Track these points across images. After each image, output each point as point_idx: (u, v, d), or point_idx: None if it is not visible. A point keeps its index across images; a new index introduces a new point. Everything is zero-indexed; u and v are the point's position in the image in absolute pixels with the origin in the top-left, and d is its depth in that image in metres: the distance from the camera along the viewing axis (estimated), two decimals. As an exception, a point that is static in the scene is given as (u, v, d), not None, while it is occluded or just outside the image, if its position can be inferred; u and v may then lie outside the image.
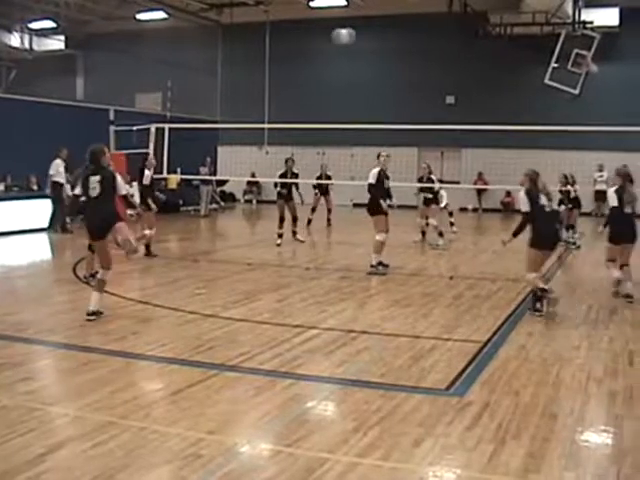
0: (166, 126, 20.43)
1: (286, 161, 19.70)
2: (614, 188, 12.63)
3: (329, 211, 24.20)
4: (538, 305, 11.32)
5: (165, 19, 34.62)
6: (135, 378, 8.06)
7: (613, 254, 12.78)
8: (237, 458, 5.87)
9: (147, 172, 16.32)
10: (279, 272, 15.15)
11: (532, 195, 11.30)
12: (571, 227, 19.59)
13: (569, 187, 19.37)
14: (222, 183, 31.75)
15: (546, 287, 11.36)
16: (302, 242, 19.65)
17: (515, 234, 11.48)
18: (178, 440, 6.07)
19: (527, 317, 11.18)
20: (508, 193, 32.04)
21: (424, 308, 11.65)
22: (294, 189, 19.77)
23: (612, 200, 12.50)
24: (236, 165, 32.08)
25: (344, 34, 17.23)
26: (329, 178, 23.78)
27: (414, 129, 20.47)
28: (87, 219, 10.94)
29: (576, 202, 19.70)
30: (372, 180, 14.87)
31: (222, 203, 31.83)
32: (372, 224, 15.06)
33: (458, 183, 32.25)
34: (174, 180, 27.66)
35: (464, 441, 6.18)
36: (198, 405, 6.93)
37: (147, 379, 8.09)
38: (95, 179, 10.44)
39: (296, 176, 19.62)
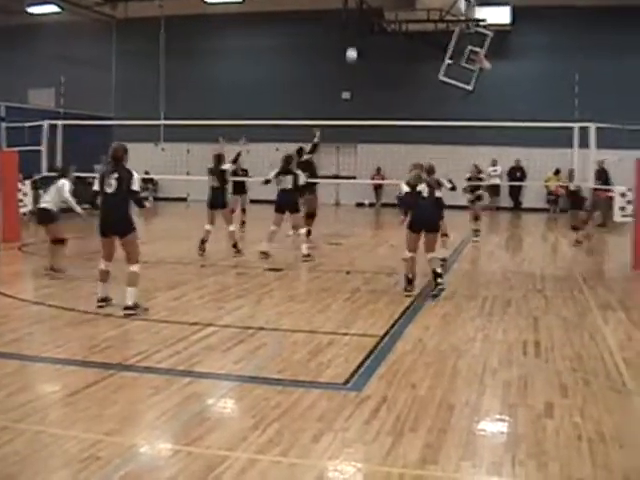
0: (59, 123, 20.03)
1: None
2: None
3: (243, 211, 22.51)
4: (409, 287, 12.43)
5: (58, 13, 33.96)
6: (30, 381, 7.90)
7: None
8: (136, 459, 5.81)
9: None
10: (175, 269, 15.01)
11: (410, 184, 12.53)
12: (476, 218, 19.91)
13: (482, 176, 19.92)
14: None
15: (410, 276, 12.53)
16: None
17: (405, 214, 12.57)
18: (75, 443, 5.97)
19: (424, 310, 11.35)
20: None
21: (321, 303, 11.71)
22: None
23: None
24: (132, 162, 31.65)
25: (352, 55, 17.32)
26: (246, 173, 21.83)
27: (310, 125, 20.49)
28: (100, 215, 11.12)
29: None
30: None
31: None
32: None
33: (354, 178, 32.47)
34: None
35: (363, 435, 6.24)
36: (95, 406, 6.83)
37: (43, 381, 7.93)
38: (113, 177, 10.75)
39: (245, 172, 19.75)
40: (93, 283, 13.07)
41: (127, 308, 10.56)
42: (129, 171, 10.92)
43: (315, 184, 18.77)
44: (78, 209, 14.28)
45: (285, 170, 16.52)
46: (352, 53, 17.71)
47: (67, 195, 14.02)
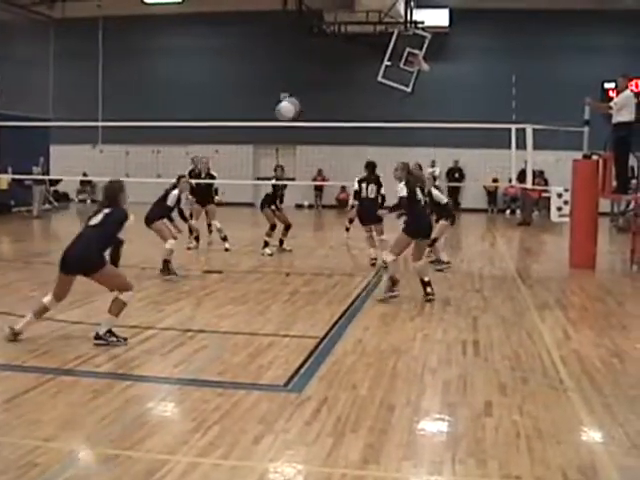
0: (-5, 124, 19.80)
1: (275, 169, 18.68)
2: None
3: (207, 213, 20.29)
4: (395, 289, 12.31)
5: (-9, 11, 33.47)
6: (-34, 386, 7.78)
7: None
8: (75, 464, 5.75)
9: None
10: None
11: (410, 185, 12.15)
12: None
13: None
14: (55, 183, 31.03)
15: (396, 277, 12.46)
16: (289, 251, 18.29)
17: (391, 210, 12.70)
18: (12, 450, 5.88)
19: (363, 311, 11.42)
20: (343, 189, 32.55)
21: (261, 305, 11.70)
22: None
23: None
24: (70, 164, 31.40)
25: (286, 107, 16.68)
26: (212, 178, 19.55)
27: (248, 126, 20.47)
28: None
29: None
30: None
31: (55, 203, 31.11)
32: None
33: (294, 180, 32.50)
34: (4, 181, 26.85)
35: (304, 436, 6.25)
36: (33, 412, 6.75)
37: (-22, 387, 7.81)
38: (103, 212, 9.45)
39: (212, 177, 18.98)
40: (30, 287, 12.97)
41: (98, 337, 9.17)
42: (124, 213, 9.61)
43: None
44: None
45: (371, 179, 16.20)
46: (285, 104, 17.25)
47: None
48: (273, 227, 17.72)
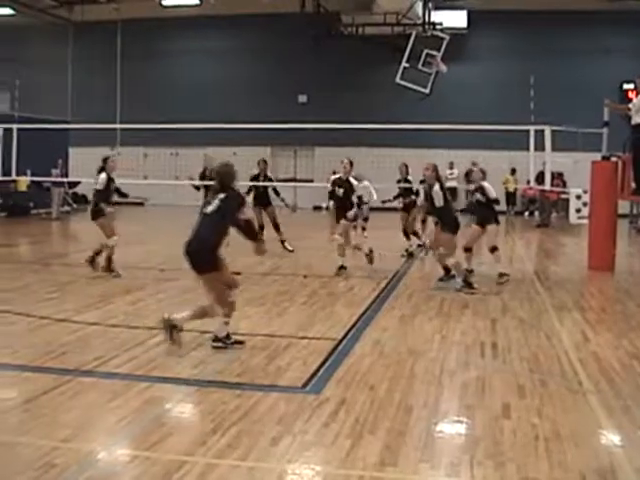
0: (14, 127, 19.87)
1: (258, 163, 18.76)
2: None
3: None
4: (473, 283, 13.51)
5: (12, 15, 33.66)
6: (-16, 387, 7.82)
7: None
8: (93, 465, 5.75)
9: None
10: (133, 274, 14.90)
11: (443, 188, 13.47)
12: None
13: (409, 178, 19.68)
14: (74, 185, 31.14)
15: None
16: (291, 251, 18.32)
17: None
18: (31, 450, 5.90)
19: (382, 313, 11.39)
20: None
21: (279, 307, 11.70)
22: (272, 194, 18.56)
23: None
24: (88, 166, 31.45)
25: None
26: (270, 180, 19.62)
27: (267, 128, 20.49)
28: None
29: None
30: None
31: (74, 205, 31.21)
32: None
33: (312, 181, 32.50)
34: (24, 183, 26.99)
35: (322, 438, 6.24)
36: (52, 413, 6.77)
37: (-2, 388, 7.84)
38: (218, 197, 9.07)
39: (269, 180, 18.65)
40: (49, 288, 13.03)
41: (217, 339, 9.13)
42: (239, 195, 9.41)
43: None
44: None
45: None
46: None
47: None
48: (260, 227, 17.41)
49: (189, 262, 8.93)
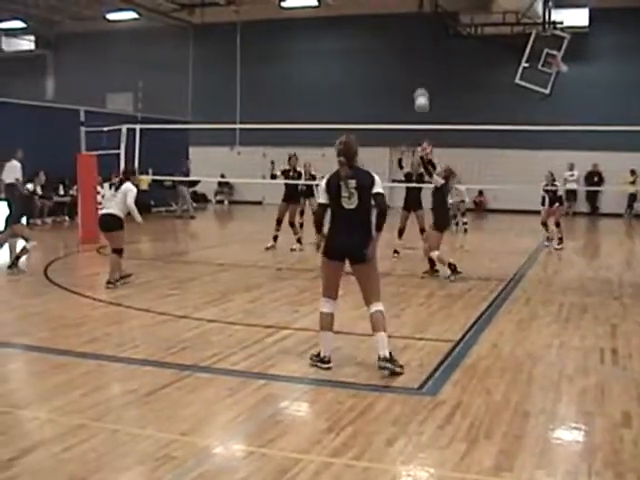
0: (137, 127, 20.29)
1: (289, 158, 18.89)
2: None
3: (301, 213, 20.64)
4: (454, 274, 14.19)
5: (136, 19, 34.47)
6: (107, 380, 8.00)
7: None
8: (210, 459, 5.85)
9: None
10: (251, 273, 15.10)
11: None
12: (557, 225, 19.53)
13: (557, 184, 19.65)
14: (194, 184, 31.71)
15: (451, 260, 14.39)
16: (293, 250, 18.25)
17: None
18: (151, 442, 6.05)
19: (499, 316, 11.24)
20: (480, 192, 32.25)
21: (396, 308, 11.61)
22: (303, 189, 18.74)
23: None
24: (207, 166, 32.00)
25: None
26: (313, 178, 19.71)
27: (387, 129, 20.42)
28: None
29: (560, 199, 19.80)
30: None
31: (194, 204, 31.78)
32: None
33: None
34: (145, 181, 27.52)
35: (437, 440, 6.20)
36: (171, 407, 6.91)
37: (119, 381, 8.01)
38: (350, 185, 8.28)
39: (299, 175, 18.62)
40: (170, 285, 13.30)
41: (384, 360, 8.03)
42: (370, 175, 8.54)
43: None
44: (139, 218, 13.53)
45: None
46: (422, 100, 17.38)
47: (130, 201, 13.21)
48: (278, 221, 18.12)
49: (350, 256, 8.56)
